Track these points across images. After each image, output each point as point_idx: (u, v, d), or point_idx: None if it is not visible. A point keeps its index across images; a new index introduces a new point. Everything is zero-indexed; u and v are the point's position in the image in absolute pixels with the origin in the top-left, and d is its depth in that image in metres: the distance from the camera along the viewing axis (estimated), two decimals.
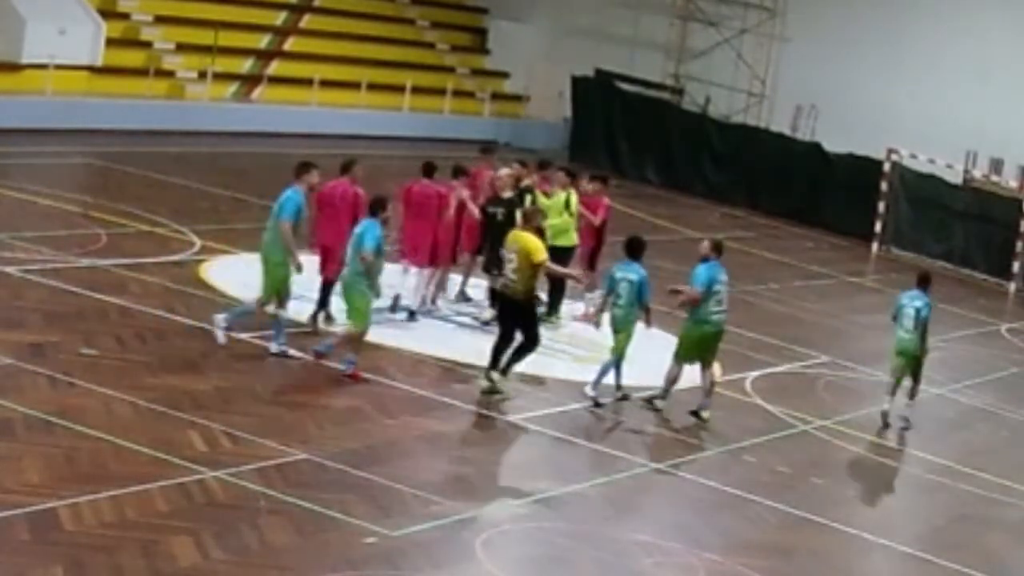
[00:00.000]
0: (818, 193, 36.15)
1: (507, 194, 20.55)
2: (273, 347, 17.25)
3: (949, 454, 18.87)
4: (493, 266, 19.96)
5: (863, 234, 34.57)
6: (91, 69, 32.31)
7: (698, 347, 17.82)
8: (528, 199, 20.67)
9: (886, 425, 18.93)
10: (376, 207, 17.17)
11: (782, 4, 39.46)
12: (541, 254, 17.32)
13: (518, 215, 20.26)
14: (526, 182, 21.01)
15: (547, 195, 21.12)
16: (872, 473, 18.04)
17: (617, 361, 17.84)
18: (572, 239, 21.06)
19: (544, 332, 20.45)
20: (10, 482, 12.41)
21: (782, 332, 23.21)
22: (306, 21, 38.60)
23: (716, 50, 40.06)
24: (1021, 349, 26.31)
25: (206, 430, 14.43)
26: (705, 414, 17.84)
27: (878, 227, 34.54)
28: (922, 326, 18.97)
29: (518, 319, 17.49)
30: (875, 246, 34.55)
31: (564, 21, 41.89)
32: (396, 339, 18.98)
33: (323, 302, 18.75)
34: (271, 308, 17.25)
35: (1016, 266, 32.43)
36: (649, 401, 18.00)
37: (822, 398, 19.85)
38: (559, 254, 21.08)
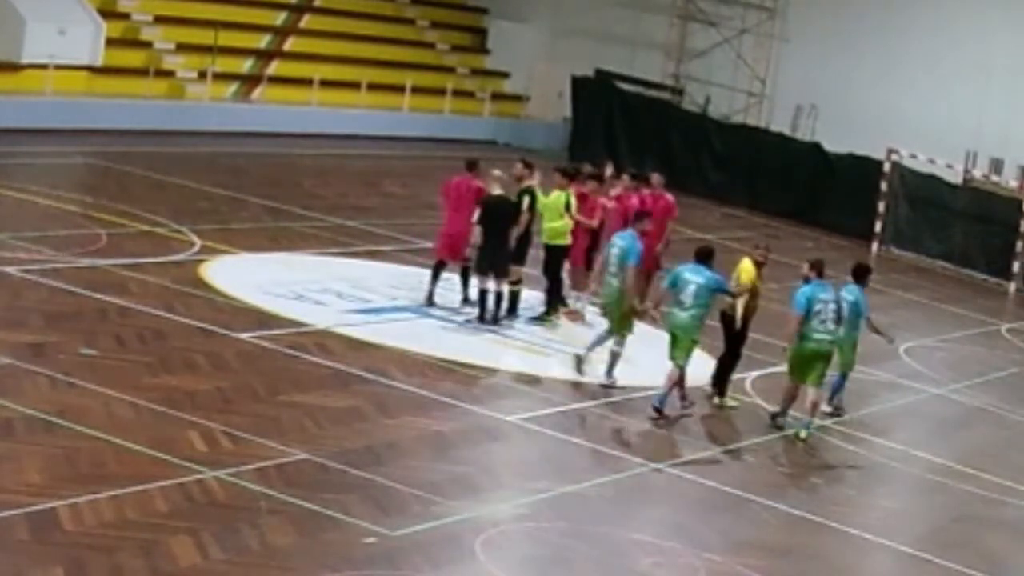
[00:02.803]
0: (818, 193, 36.14)
1: (496, 192, 20.48)
2: (604, 379, 18.39)
3: (949, 454, 18.87)
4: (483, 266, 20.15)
5: (863, 234, 34.54)
6: (91, 69, 32.30)
7: (802, 365, 18.12)
8: (526, 200, 20.65)
9: None
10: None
11: (782, 4, 39.46)
12: (739, 282, 18.60)
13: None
14: (527, 183, 20.93)
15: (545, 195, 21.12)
16: (872, 473, 18.03)
17: (844, 375, 19.33)
18: (568, 239, 21.02)
19: (541, 332, 20.51)
20: (10, 482, 12.41)
21: (782, 332, 23.11)
22: (306, 21, 38.60)
23: (716, 50, 40.05)
24: (1021, 349, 26.31)
25: (206, 430, 14.43)
26: (803, 433, 17.99)
27: (878, 227, 34.53)
28: None
29: (739, 336, 18.74)
30: (875, 246, 34.53)
31: (564, 21, 41.89)
32: (396, 339, 18.98)
33: (466, 283, 20.86)
34: (615, 345, 18.50)
35: (1016, 266, 32.43)
36: (773, 419, 18.35)
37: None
38: (557, 254, 21.09)
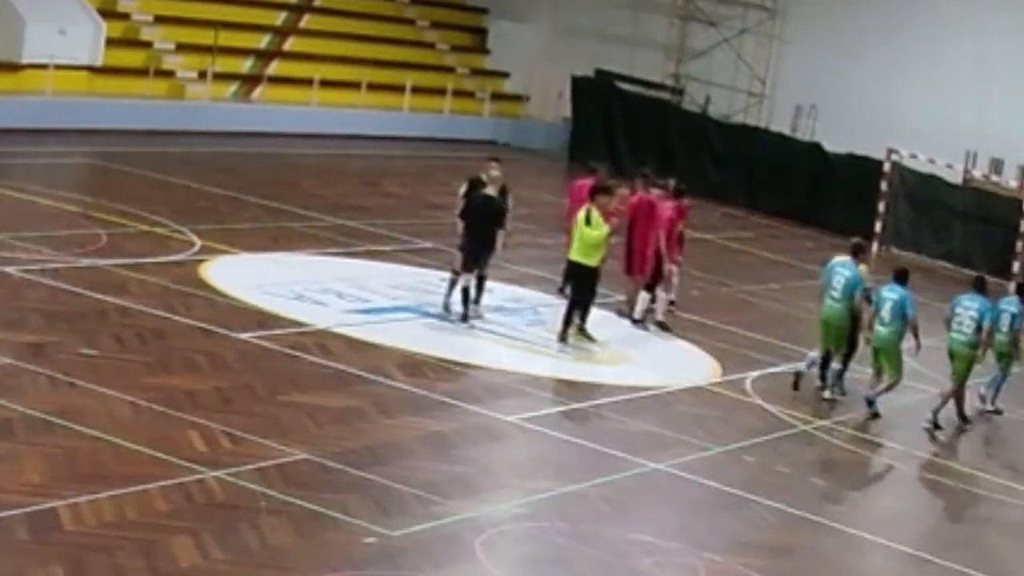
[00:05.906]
0: (818, 193, 36.10)
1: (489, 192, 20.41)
2: (827, 393, 19.72)
3: (949, 454, 18.86)
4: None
5: (863, 234, 34.43)
6: (91, 69, 32.28)
7: (951, 363, 19.94)
8: (510, 200, 20.73)
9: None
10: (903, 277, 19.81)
11: (782, 4, 39.44)
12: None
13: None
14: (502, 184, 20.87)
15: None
16: (872, 473, 18.04)
17: (1004, 378, 20.89)
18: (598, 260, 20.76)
19: (542, 332, 20.50)
20: (10, 482, 12.41)
21: (782, 332, 23.19)
22: (306, 21, 38.58)
23: (716, 50, 40.04)
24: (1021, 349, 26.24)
25: (206, 430, 14.43)
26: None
27: (878, 227, 34.50)
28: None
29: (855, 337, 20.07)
30: (875, 246, 34.47)
31: (564, 21, 41.87)
32: (396, 339, 18.98)
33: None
34: (835, 363, 19.76)
35: (1016, 266, 32.39)
36: (935, 425, 19.47)
37: (822, 398, 19.84)
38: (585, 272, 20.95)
